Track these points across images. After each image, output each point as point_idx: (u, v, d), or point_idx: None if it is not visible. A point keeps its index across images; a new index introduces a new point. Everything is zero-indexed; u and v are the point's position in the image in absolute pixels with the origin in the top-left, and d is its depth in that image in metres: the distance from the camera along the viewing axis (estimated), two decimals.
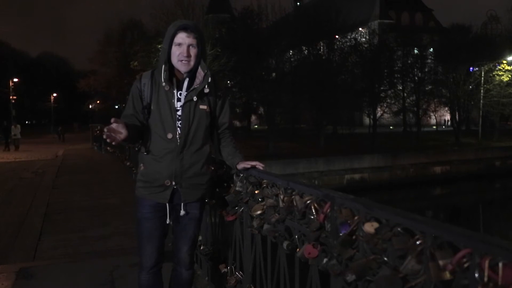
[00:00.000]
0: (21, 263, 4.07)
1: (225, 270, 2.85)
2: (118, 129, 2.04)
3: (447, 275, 1.07)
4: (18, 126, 24.76)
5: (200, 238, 3.45)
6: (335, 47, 30.18)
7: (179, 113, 2.21)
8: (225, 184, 2.74)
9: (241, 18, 31.03)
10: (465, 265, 1.03)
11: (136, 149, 2.32)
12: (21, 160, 17.69)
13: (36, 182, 10.30)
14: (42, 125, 66.10)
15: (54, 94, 64.40)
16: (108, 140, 2.04)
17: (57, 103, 66.69)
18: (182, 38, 2.16)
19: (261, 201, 2.26)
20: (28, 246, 4.78)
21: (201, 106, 2.25)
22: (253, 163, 2.42)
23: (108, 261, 3.95)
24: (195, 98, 2.21)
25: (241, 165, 2.43)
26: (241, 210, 2.53)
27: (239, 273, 2.69)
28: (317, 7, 31.47)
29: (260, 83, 27.86)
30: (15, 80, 49.42)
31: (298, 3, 50.09)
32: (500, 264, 0.94)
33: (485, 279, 0.97)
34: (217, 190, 2.84)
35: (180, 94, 2.22)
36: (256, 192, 2.32)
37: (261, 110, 32.24)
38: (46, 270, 3.82)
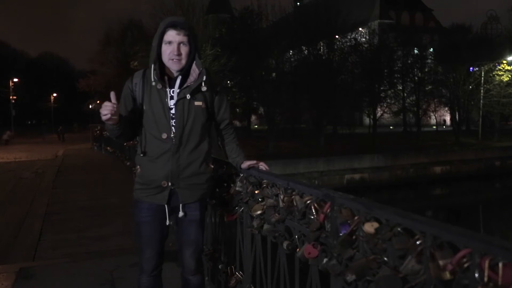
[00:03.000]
0: (21, 263, 4.08)
1: (225, 270, 2.85)
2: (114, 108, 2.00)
3: (447, 275, 1.07)
4: None
5: None
6: (335, 47, 30.19)
7: (172, 111, 2.14)
8: (225, 184, 2.74)
9: (241, 18, 31.05)
10: (465, 265, 1.03)
11: (137, 152, 2.26)
12: (21, 160, 17.70)
13: (36, 182, 10.30)
14: (42, 125, 66.14)
15: (54, 94, 64.42)
16: (104, 112, 1.98)
17: (57, 103, 66.70)
18: (172, 36, 2.09)
19: (261, 201, 2.25)
20: (28, 246, 4.78)
21: (196, 103, 2.17)
22: (256, 162, 2.41)
23: (108, 261, 3.95)
24: (188, 96, 2.14)
25: (245, 164, 2.40)
26: (241, 210, 2.53)
27: (239, 273, 2.69)
28: (317, 7, 31.41)
29: (260, 83, 27.88)
30: (15, 80, 49.45)
31: (298, 3, 50.03)
32: (500, 264, 0.94)
33: (485, 279, 0.97)
34: (217, 190, 2.84)
35: (173, 92, 2.15)
36: (256, 192, 2.32)
37: (261, 110, 32.25)
38: (46, 270, 3.82)
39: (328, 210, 1.62)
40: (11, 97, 47.77)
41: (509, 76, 30.32)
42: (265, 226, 2.15)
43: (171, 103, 2.15)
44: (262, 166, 2.41)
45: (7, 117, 47.37)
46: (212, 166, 2.39)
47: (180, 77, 2.17)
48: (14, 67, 56.13)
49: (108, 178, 10.06)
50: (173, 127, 2.15)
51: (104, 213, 6.24)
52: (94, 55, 41.02)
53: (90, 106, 55.36)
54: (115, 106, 2.02)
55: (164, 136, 2.14)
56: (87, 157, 16.46)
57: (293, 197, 1.91)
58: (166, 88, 2.15)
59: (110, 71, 37.66)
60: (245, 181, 2.45)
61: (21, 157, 18.77)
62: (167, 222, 2.24)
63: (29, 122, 71.83)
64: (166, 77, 2.16)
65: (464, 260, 1.04)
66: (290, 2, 46.18)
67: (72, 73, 68.59)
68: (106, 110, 2.00)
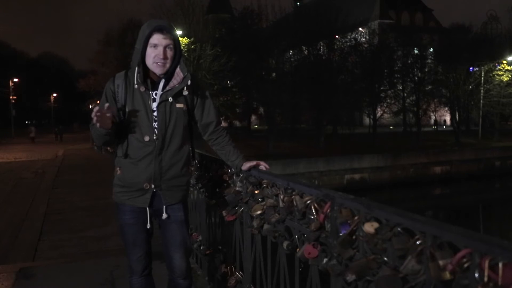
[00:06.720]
0: (21, 263, 4.07)
1: (225, 270, 2.85)
2: (108, 113, 1.99)
3: (447, 275, 1.07)
4: None
5: (200, 238, 3.46)
6: (335, 47, 30.19)
7: (155, 114, 2.14)
8: (225, 184, 2.74)
9: (241, 18, 31.08)
10: (465, 265, 1.03)
11: (118, 154, 2.25)
12: (21, 160, 17.70)
13: (36, 182, 10.29)
14: (42, 125, 66.12)
15: (54, 94, 64.42)
16: (96, 121, 2.00)
17: (57, 103, 66.68)
18: (158, 39, 2.09)
19: (261, 201, 2.25)
20: (28, 246, 4.78)
21: (178, 105, 2.18)
22: (256, 163, 2.40)
23: (108, 261, 3.95)
24: (170, 99, 2.15)
25: (246, 166, 2.39)
26: (241, 210, 2.53)
27: (239, 273, 2.69)
28: (317, 7, 31.42)
29: (260, 83, 27.90)
30: (15, 80, 49.44)
31: (298, 3, 50.05)
32: (500, 264, 0.94)
33: (485, 279, 0.97)
34: (217, 190, 2.84)
35: (156, 94, 2.15)
36: (256, 192, 2.31)
37: (261, 110, 32.27)
38: (46, 270, 3.82)
39: (328, 210, 1.62)
40: (11, 97, 47.74)
41: (509, 76, 30.33)
42: (265, 226, 2.15)
43: (154, 105, 2.15)
44: (263, 166, 2.40)
45: (7, 117, 47.33)
46: (192, 169, 2.36)
47: (163, 80, 2.17)
48: (14, 67, 56.05)
49: (108, 178, 9.98)
50: (155, 130, 2.14)
51: (104, 213, 6.22)
52: (94, 55, 41.06)
53: (90, 106, 55.34)
54: (106, 114, 2.00)
55: (147, 138, 2.14)
56: (87, 157, 16.44)
57: (293, 197, 1.91)
58: (149, 90, 2.14)
59: (110, 71, 37.60)
60: (245, 181, 2.45)
61: (21, 157, 18.75)
62: (148, 226, 2.24)
63: (29, 122, 71.82)
64: (149, 80, 2.15)
65: (464, 260, 1.04)
66: (290, 2, 46.24)
67: (72, 73, 68.56)
68: (96, 116, 2.00)
